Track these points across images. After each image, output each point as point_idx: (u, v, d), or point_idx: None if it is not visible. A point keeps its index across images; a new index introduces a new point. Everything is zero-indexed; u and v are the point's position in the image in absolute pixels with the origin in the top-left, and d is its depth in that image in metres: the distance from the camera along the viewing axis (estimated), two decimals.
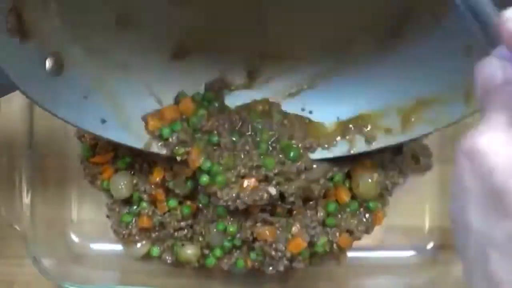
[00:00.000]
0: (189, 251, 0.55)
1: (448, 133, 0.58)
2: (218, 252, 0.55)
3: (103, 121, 0.48)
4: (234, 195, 0.51)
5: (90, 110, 0.47)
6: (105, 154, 0.57)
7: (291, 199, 0.52)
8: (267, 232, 0.52)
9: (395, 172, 0.57)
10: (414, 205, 0.58)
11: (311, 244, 0.54)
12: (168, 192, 0.55)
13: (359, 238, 0.56)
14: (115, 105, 0.49)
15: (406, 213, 0.58)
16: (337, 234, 0.55)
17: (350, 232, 0.55)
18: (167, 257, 0.56)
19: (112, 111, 0.48)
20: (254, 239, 0.54)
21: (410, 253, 0.58)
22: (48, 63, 0.42)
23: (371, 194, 0.55)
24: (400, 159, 0.57)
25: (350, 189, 0.55)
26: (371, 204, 0.56)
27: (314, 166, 0.53)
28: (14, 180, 0.54)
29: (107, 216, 0.58)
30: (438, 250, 0.58)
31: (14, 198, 0.54)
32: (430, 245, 0.58)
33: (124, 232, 0.56)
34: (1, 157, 0.54)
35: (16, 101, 0.54)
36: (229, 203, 0.51)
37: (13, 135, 0.54)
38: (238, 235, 0.54)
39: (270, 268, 0.54)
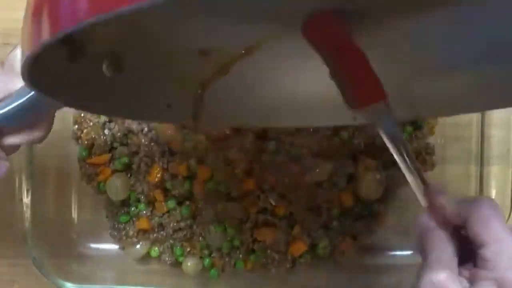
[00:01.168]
0: (189, 263, 0.55)
1: (449, 133, 0.58)
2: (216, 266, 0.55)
3: (169, 106, 0.42)
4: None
5: (154, 98, 0.42)
6: (101, 155, 0.57)
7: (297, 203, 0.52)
8: (267, 234, 0.52)
9: (399, 172, 0.56)
10: (414, 205, 0.58)
11: (312, 246, 0.54)
12: (167, 192, 0.55)
13: (362, 242, 0.56)
14: (180, 85, 0.43)
15: (407, 213, 0.58)
16: (340, 238, 0.54)
17: (353, 237, 0.55)
18: (166, 258, 0.56)
19: (176, 92, 0.43)
20: (254, 241, 0.53)
21: (410, 253, 0.58)
22: (105, 67, 0.37)
23: (374, 195, 0.55)
24: None
25: (353, 191, 0.55)
26: (374, 206, 0.55)
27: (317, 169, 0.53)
28: (14, 180, 0.54)
29: (107, 217, 0.58)
30: None
31: (14, 198, 0.54)
32: None
33: (122, 234, 0.56)
34: None
35: None
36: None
37: None
38: (238, 236, 0.54)
39: (272, 270, 0.54)
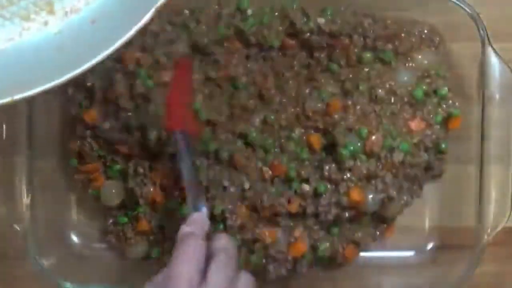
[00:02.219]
0: None
1: (449, 134, 0.58)
2: None
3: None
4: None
5: None
6: (92, 164, 0.55)
7: (329, 216, 0.52)
8: (267, 234, 0.52)
9: (416, 186, 0.56)
10: (414, 205, 0.58)
11: (313, 248, 0.54)
12: (166, 192, 0.55)
13: (363, 243, 0.56)
14: None
15: (406, 213, 0.58)
16: (344, 245, 0.54)
17: (354, 237, 0.55)
18: (167, 259, 0.56)
19: None
20: (254, 241, 0.53)
21: (410, 253, 0.58)
22: None
23: (396, 214, 0.56)
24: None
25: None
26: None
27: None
28: (14, 180, 0.54)
29: (106, 217, 0.58)
30: (438, 250, 0.58)
31: (14, 198, 0.54)
32: (430, 245, 0.58)
33: (121, 234, 0.56)
34: (1, 157, 0.54)
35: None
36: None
37: (13, 135, 0.54)
38: (238, 236, 0.54)
39: (272, 271, 0.54)
